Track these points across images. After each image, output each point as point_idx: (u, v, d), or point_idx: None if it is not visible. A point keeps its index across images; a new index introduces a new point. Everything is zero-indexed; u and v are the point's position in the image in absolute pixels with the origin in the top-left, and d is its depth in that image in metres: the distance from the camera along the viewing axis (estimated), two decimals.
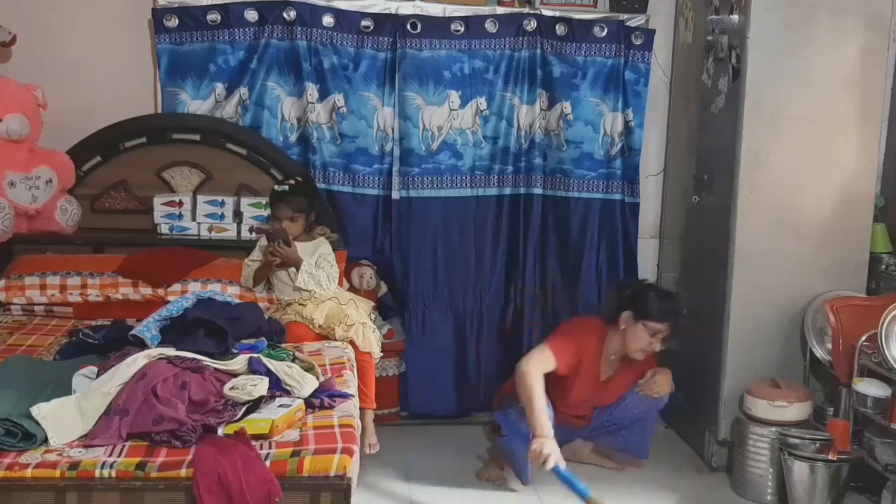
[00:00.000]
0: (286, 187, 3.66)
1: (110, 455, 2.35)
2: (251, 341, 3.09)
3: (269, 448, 2.41)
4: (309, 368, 2.88)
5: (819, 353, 3.58)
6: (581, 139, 4.21)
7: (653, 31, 4.23)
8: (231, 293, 3.59)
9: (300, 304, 3.57)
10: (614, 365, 3.53)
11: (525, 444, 3.21)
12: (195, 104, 4.02)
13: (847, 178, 3.64)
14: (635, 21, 4.21)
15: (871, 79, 3.61)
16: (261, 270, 3.64)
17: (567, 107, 4.19)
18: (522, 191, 4.27)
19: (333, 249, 3.74)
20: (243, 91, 4.02)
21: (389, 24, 4.06)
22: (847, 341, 3.39)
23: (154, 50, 4.02)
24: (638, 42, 4.21)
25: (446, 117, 4.14)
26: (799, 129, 3.58)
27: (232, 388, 2.61)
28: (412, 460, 3.78)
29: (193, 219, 3.95)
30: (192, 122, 4.01)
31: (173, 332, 3.03)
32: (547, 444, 3.12)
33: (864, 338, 3.32)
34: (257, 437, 2.44)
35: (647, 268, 4.43)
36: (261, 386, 2.62)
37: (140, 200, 3.98)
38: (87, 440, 2.43)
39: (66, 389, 2.62)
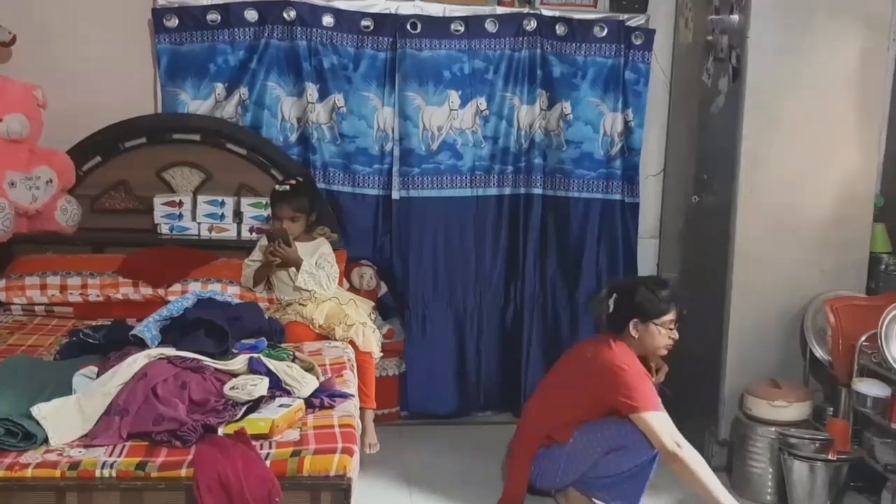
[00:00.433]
0: (287, 187, 3.67)
1: (110, 455, 2.35)
2: (251, 341, 3.10)
3: (270, 448, 2.41)
4: (309, 368, 2.88)
5: (819, 353, 3.58)
6: (581, 139, 4.21)
7: (653, 31, 4.23)
8: (231, 293, 3.60)
9: (300, 304, 3.57)
10: None
11: None
12: (195, 104, 4.02)
13: (847, 178, 3.64)
14: (635, 21, 4.21)
15: (870, 79, 3.61)
16: (261, 270, 3.65)
17: (567, 107, 4.19)
18: (522, 191, 4.27)
19: (333, 249, 3.75)
20: (243, 91, 4.02)
21: (389, 23, 4.06)
22: (847, 341, 3.39)
23: (154, 50, 4.02)
24: (638, 42, 4.21)
25: (446, 117, 4.14)
26: (799, 130, 3.58)
27: (232, 388, 2.61)
28: (412, 460, 3.78)
29: (193, 219, 3.96)
30: (192, 122, 4.01)
31: (173, 332, 3.04)
32: None
33: (863, 338, 3.32)
34: (257, 436, 2.44)
35: (647, 268, 4.43)
36: (261, 386, 2.62)
37: (140, 200, 3.98)
38: (88, 440, 2.44)
39: (66, 389, 2.62)
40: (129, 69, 4.07)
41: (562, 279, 4.32)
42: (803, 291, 3.65)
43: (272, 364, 2.76)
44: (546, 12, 4.16)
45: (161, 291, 3.63)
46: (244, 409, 2.56)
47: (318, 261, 3.62)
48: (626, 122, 4.24)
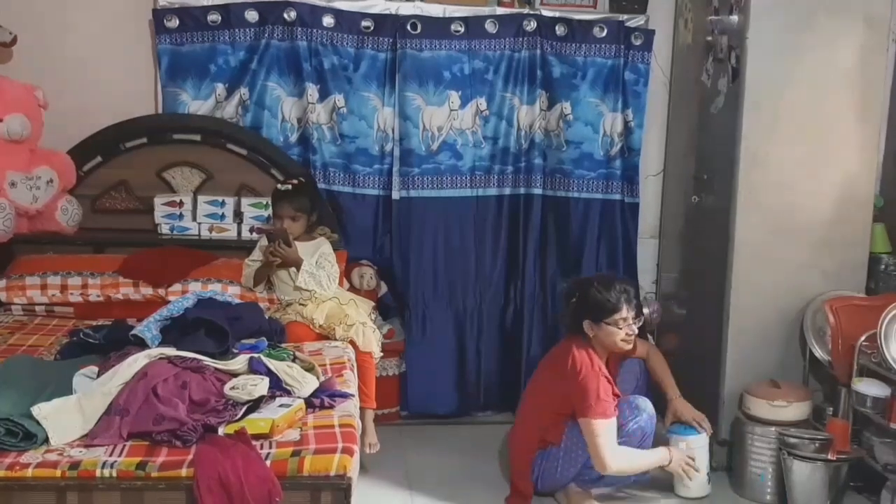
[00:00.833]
0: (289, 187, 3.67)
1: (111, 455, 2.35)
2: (252, 341, 3.10)
3: (270, 448, 2.41)
4: (309, 368, 2.88)
5: (819, 353, 3.58)
6: (581, 139, 4.21)
7: (652, 32, 4.23)
8: (231, 293, 3.60)
9: (301, 304, 3.57)
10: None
11: None
12: (196, 104, 4.03)
13: (846, 178, 3.64)
14: (635, 21, 4.21)
15: (870, 79, 3.61)
16: (261, 270, 3.65)
17: (567, 107, 4.19)
18: (522, 191, 4.27)
19: (334, 249, 3.75)
20: (244, 91, 4.02)
21: (389, 24, 4.06)
22: (846, 341, 3.39)
23: (155, 50, 4.02)
24: (637, 42, 4.21)
25: (446, 117, 4.14)
26: (798, 130, 3.58)
27: (232, 388, 2.62)
28: (412, 460, 3.78)
29: (194, 219, 3.96)
30: (192, 122, 4.01)
31: (174, 332, 3.04)
32: (675, 452, 3.29)
33: (863, 338, 3.33)
34: (258, 436, 2.44)
35: (647, 268, 4.44)
36: (261, 386, 2.63)
37: (141, 200, 3.99)
38: (88, 440, 2.44)
39: (66, 389, 2.62)
40: (130, 69, 4.07)
41: (562, 279, 4.31)
42: (803, 291, 3.65)
43: (272, 364, 2.76)
44: (546, 13, 4.16)
45: (161, 291, 3.64)
46: (244, 409, 2.56)
47: (318, 261, 3.62)
48: (625, 123, 4.24)
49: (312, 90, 4.04)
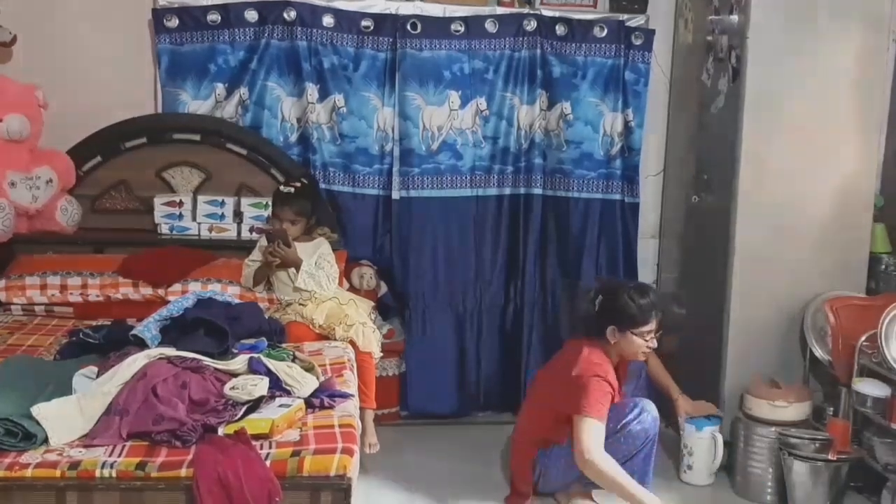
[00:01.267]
0: (292, 189, 3.66)
1: (110, 455, 2.35)
2: (251, 341, 3.09)
3: (270, 448, 2.41)
4: (309, 368, 2.88)
5: (819, 353, 3.59)
6: (581, 139, 4.21)
7: (652, 32, 4.23)
8: (231, 293, 3.59)
9: (300, 305, 3.57)
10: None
11: None
12: (195, 104, 4.02)
13: (847, 178, 3.64)
14: (635, 21, 4.21)
15: (871, 79, 3.62)
16: (261, 271, 3.65)
17: (567, 107, 4.19)
18: (522, 191, 4.27)
19: (333, 249, 3.75)
20: (243, 91, 4.02)
21: (389, 24, 4.06)
22: (847, 341, 3.39)
23: (154, 50, 4.02)
24: (638, 42, 4.21)
25: (446, 117, 4.14)
26: (799, 130, 3.58)
27: (232, 388, 2.61)
28: (412, 460, 3.78)
29: (194, 219, 3.95)
30: (192, 122, 4.01)
31: (173, 332, 3.03)
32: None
33: (863, 338, 3.33)
34: (257, 436, 2.44)
35: (647, 268, 4.43)
36: (261, 386, 2.62)
37: (140, 200, 3.98)
38: (88, 440, 2.43)
39: (66, 389, 2.62)
40: (130, 69, 4.07)
41: (562, 279, 4.32)
42: (803, 291, 3.65)
43: (272, 364, 2.76)
44: (546, 12, 4.16)
45: (161, 291, 3.63)
46: (244, 409, 2.56)
47: (317, 261, 3.62)
48: (625, 122, 4.24)
49: (312, 90, 4.04)
